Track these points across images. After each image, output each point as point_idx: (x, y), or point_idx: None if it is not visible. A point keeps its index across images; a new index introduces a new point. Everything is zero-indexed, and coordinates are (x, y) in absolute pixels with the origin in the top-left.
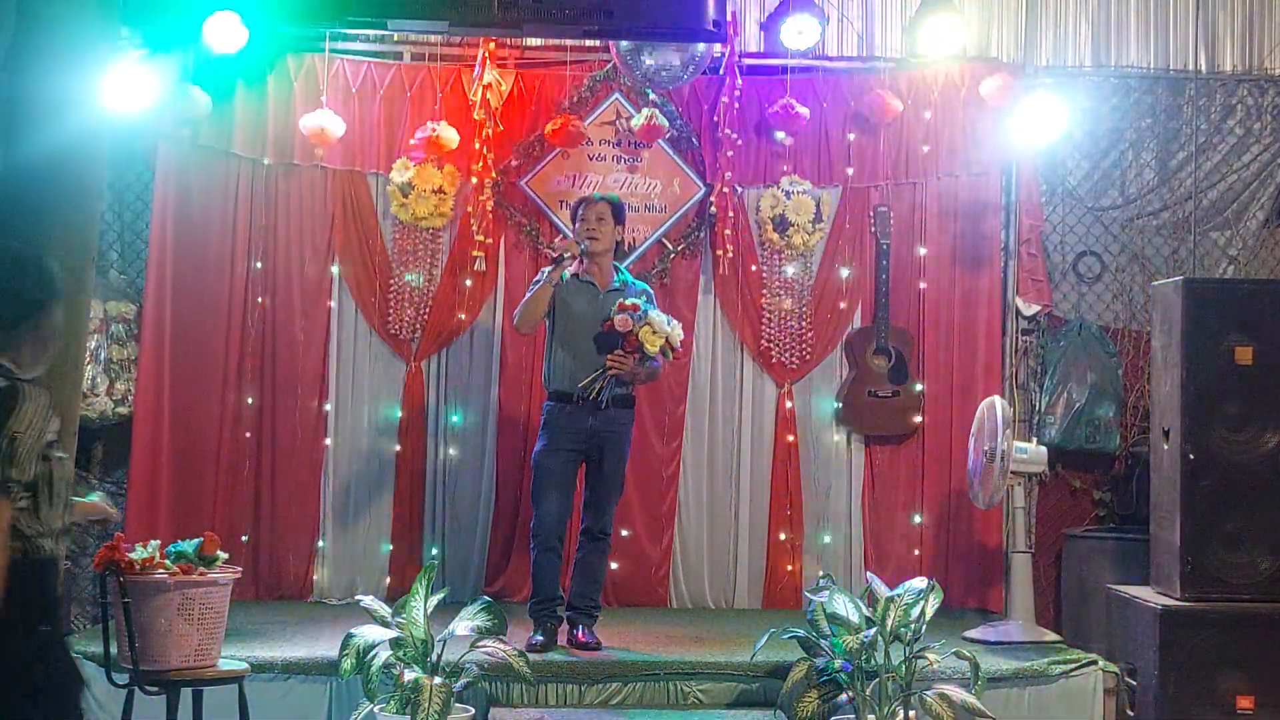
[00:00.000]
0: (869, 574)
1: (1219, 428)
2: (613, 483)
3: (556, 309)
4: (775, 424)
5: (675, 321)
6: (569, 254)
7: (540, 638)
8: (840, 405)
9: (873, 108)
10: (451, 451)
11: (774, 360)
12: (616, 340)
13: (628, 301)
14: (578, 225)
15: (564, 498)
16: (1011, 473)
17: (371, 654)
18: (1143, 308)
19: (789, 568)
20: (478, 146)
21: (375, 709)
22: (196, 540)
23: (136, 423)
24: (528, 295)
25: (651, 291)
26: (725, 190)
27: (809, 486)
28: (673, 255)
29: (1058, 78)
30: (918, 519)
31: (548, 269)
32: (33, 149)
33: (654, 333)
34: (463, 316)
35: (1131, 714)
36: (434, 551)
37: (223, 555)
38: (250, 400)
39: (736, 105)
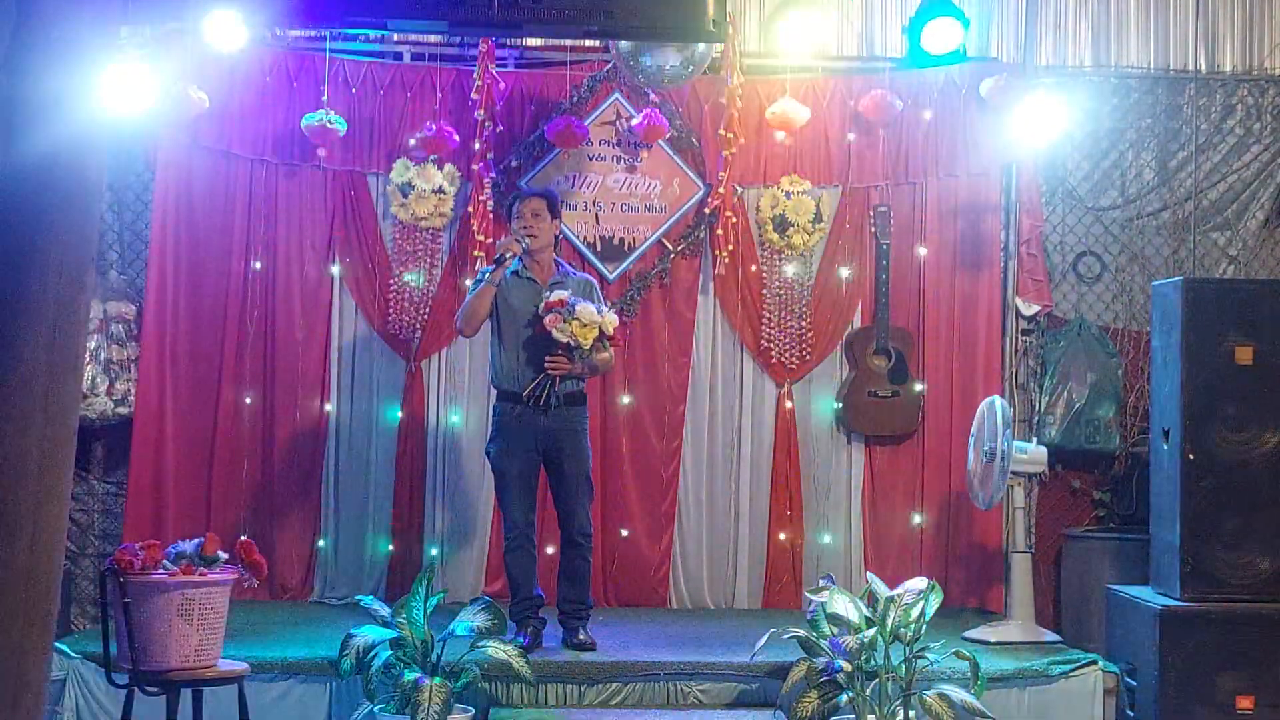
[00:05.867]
0: (869, 574)
1: (1219, 428)
2: (578, 484)
3: (499, 309)
4: (775, 424)
5: (606, 309)
6: (510, 254)
7: (525, 639)
8: (840, 405)
9: (873, 108)
10: (451, 451)
11: (774, 360)
12: (554, 341)
13: (553, 297)
14: (514, 223)
15: (527, 498)
16: (1011, 473)
17: (371, 654)
18: (1143, 308)
19: (789, 568)
20: (478, 146)
21: (375, 709)
22: (197, 540)
23: (136, 423)
24: (468, 296)
25: (594, 282)
26: (725, 190)
27: (809, 486)
28: (673, 255)
29: (1058, 78)
30: (918, 519)
31: (488, 269)
32: (32, 149)
33: (584, 326)
34: None
35: (1131, 714)
36: (434, 551)
37: (223, 555)
38: (250, 400)
39: (737, 105)
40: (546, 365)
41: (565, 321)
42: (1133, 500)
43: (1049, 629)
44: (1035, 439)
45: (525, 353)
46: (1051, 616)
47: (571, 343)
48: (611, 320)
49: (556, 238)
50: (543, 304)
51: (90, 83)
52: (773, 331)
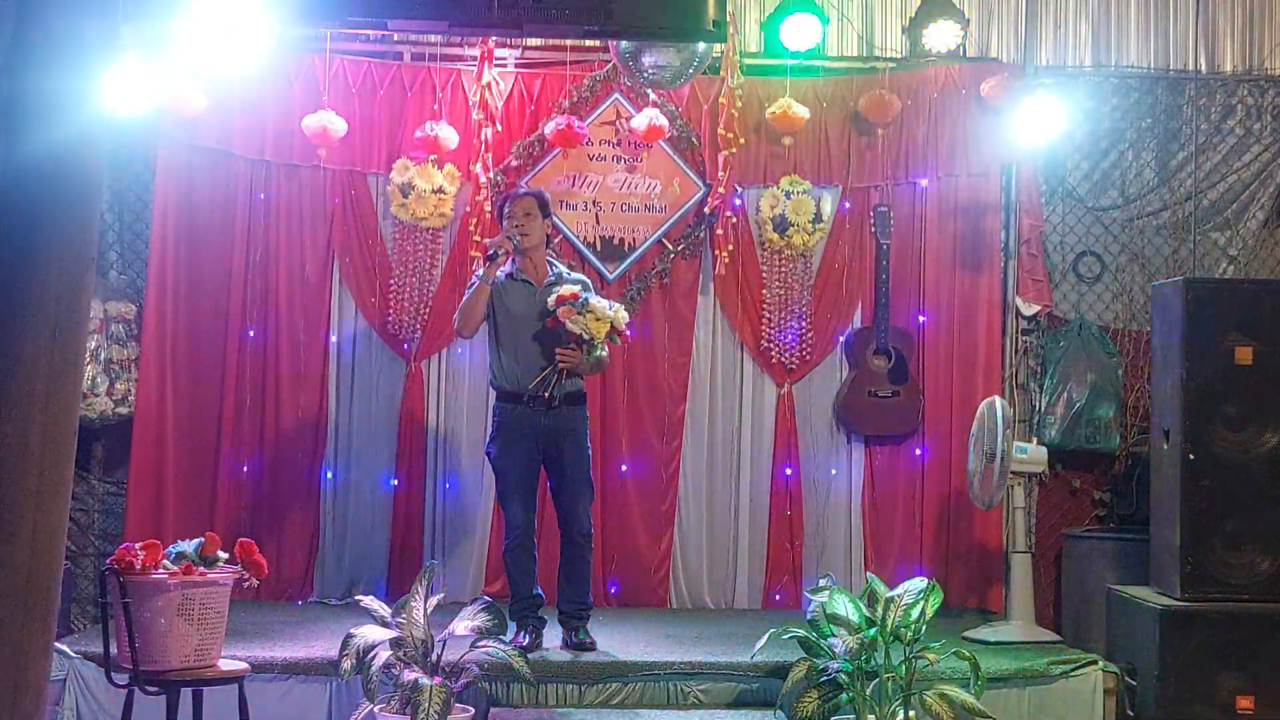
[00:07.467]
0: (869, 574)
1: (1219, 428)
2: (578, 483)
3: (495, 311)
4: (775, 424)
5: (617, 305)
6: (501, 250)
7: (525, 639)
8: (840, 405)
9: (873, 108)
10: (451, 452)
11: (774, 360)
12: (560, 335)
13: (565, 290)
14: (505, 223)
15: (528, 498)
16: (1011, 473)
17: (371, 654)
18: (1143, 308)
19: (789, 568)
20: (477, 145)
21: (375, 709)
22: (197, 540)
23: (137, 423)
24: (465, 298)
25: (589, 281)
26: (725, 190)
27: (809, 487)
28: (673, 255)
29: (1058, 78)
30: (918, 519)
31: (481, 270)
32: (32, 149)
33: (598, 319)
34: None
35: (1131, 714)
36: (433, 552)
37: (223, 555)
38: (250, 400)
39: (737, 105)
40: (557, 356)
41: (580, 314)
42: (1133, 500)
43: (1049, 629)
44: (1035, 439)
45: (523, 353)
46: (1051, 616)
47: (585, 335)
48: (623, 315)
49: (549, 238)
50: (554, 298)
51: (90, 83)
52: (773, 331)
